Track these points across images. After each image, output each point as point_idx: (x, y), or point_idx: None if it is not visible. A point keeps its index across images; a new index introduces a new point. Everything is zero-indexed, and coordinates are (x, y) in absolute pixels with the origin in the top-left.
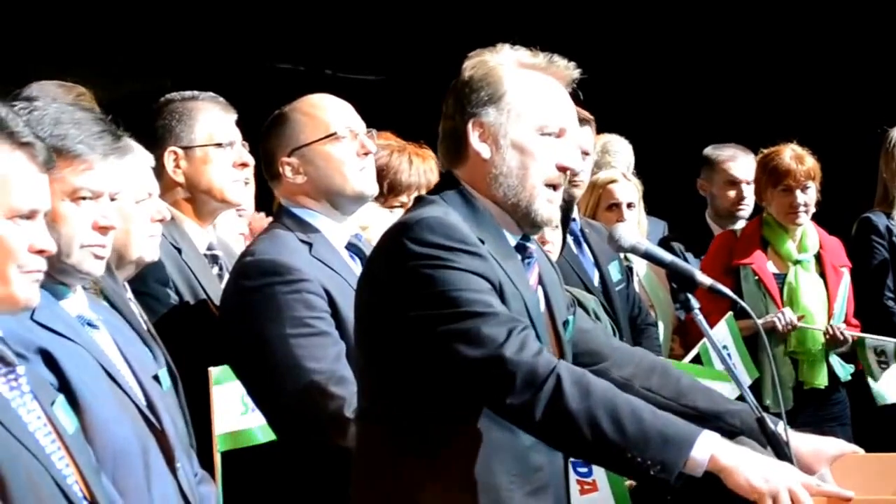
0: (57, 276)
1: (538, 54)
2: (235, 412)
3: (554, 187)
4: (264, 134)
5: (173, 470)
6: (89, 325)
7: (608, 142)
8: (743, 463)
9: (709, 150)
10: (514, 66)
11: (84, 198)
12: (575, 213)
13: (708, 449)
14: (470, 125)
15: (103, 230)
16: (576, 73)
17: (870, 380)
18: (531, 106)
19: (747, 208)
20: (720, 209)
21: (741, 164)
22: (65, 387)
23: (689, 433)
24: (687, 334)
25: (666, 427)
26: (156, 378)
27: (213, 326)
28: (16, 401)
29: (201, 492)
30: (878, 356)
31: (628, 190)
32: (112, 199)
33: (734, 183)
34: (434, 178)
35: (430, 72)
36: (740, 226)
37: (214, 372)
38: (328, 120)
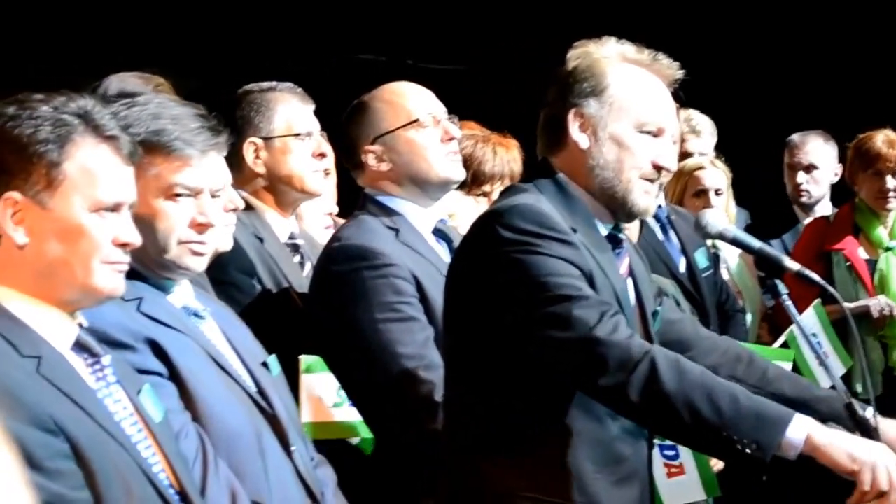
0: (159, 271)
1: (643, 50)
2: (328, 402)
3: (650, 181)
4: (345, 123)
5: (289, 453)
6: (195, 315)
7: (691, 116)
8: (837, 440)
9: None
10: (619, 60)
11: (180, 194)
12: (661, 200)
13: (803, 429)
14: (570, 115)
15: (201, 227)
16: (679, 72)
17: None
18: (633, 102)
19: (806, 195)
20: (789, 195)
21: (802, 149)
22: (174, 376)
23: (785, 413)
24: (775, 321)
25: (761, 408)
26: (264, 365)
27: (295, 315)
28: (102, 391)
29: (319, 475)
30: None
31: (716, 176)
32: (213, 196)
33: (792, 168)
34: (518, 167)
35: (512, 61)
36: (822, 213)
37: (304, 360)
38: (410, 107)
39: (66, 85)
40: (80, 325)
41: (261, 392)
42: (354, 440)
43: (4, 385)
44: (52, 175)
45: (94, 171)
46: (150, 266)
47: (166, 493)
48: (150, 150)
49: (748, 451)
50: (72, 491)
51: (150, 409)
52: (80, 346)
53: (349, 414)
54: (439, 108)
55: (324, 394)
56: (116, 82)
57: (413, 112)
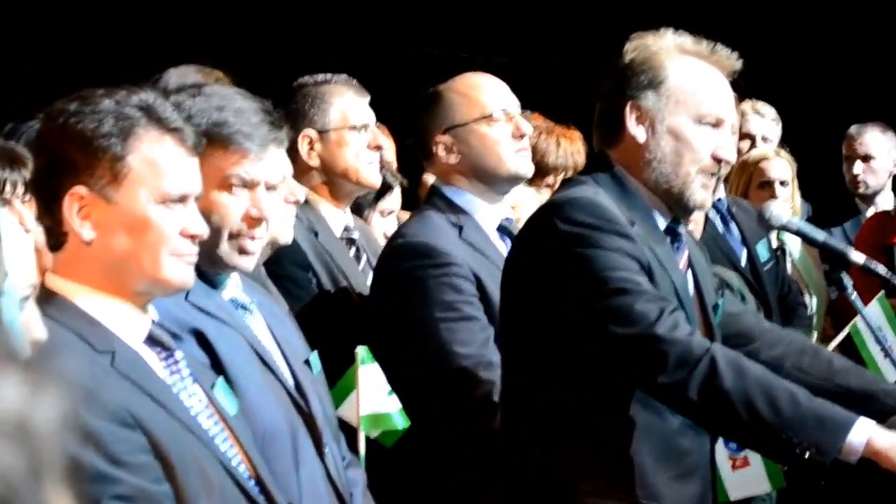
0: (209, 264)
1: (701, 42)
2: (381, 393)
3: (710, 174)
4: (418, 112)
5: (321, 454)
6: (242, 308)
7: (755, 102)
8: None
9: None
10: (677, 52)
11: (235, 186)
12: (721, 192)
13: (865, 433)
14: (627, 108)
15: (254, 221)
16: (738, 63)
17: None
18: (691, 94)
19: (863, 186)
20: (847, 186)
21: (859, 140)
22: (217, 368)
23: (847, 417)
24: (839, 314)
25: (823, 410)
26: (306, 362)
27: (350, 309)
28: (177, 385)
29: (349, 476)
30: None
31: (781, 167)
32: (269, 189)
33: (849, 159)
34: (581, 160)
35: (570, 54)
36: (883, 204)
37: (361, 352)
38: (484, 100)
39: (77, 84)
40: (153, 320)
41: (299, 389)
42: (374, 434)
43: (81, 382)
44: (116, 169)
45: (158, 164)
46: (200, 257)
47: (246, 484)
48: (210, 141)
49: (807, 454)
50: (153, 484)
51: (224, 402)
52: (152, 341)
53: (395, 403)
54: (513, 103)
55: (378, 383)
56: (176, 75)
57: (487, 106)
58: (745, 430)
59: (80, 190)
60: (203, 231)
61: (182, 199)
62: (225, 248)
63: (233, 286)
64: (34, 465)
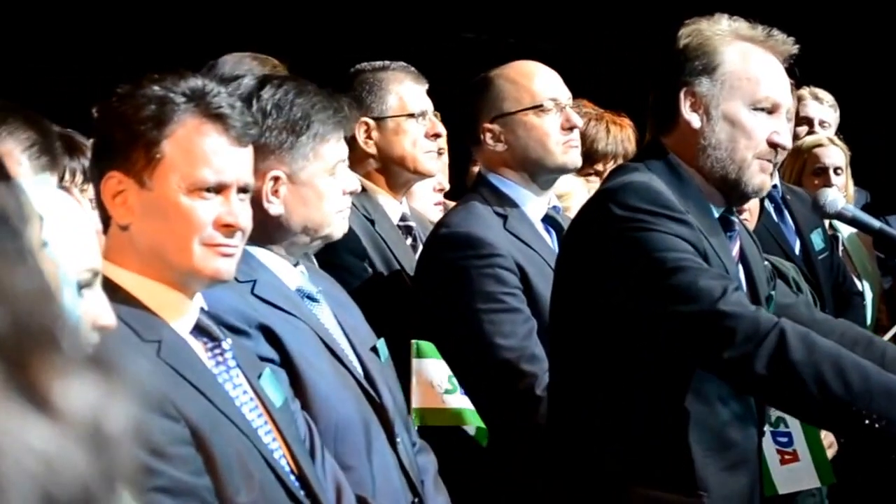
0: (295, 247)
1: (756, 26)
2: (440, 388)
3: (767, 160)
4: (467, 98)
5: (393, 444)
6: (309, 298)
7: (815, 90)
8: None
9: None
10: (731, 37)
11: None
12: (776, 180)
13: None
14: (682, 94)
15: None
16: (794, 48)
17: None
18: (746, 79)
19: None
20: None
21: None
22: (286, 363)
23: None
24: (893, 303)
25: (893, 384)
26: (373, 349)
27: (408, 298)
28: (222, 376)
29: (420, 462)
30: None
31: (835, 154)
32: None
33: None
34: (631, 147)
35: (620, 40)
36: None
37: (417, 344)
38: (535, 90)
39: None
40: (201, 309)
41: (368, 378)
42: (470, 430)
43: (152, 387)
44: (151, 153)
45: (194, 151)
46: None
47: (287, 478)
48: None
49: (877, 426)
50: (193, 477)
51: (270, 393)
52: (200, 330)
53: (461, 401)
54: (564, 93)
55: (435, 379)
56: (231, 62)
57: (537, 96)
58: (812, 404)
59: (117, 174)
60: (239, 222)
61: (219, 189)
62: (329, 222)
63: (299, 275)
64: (109, 471)
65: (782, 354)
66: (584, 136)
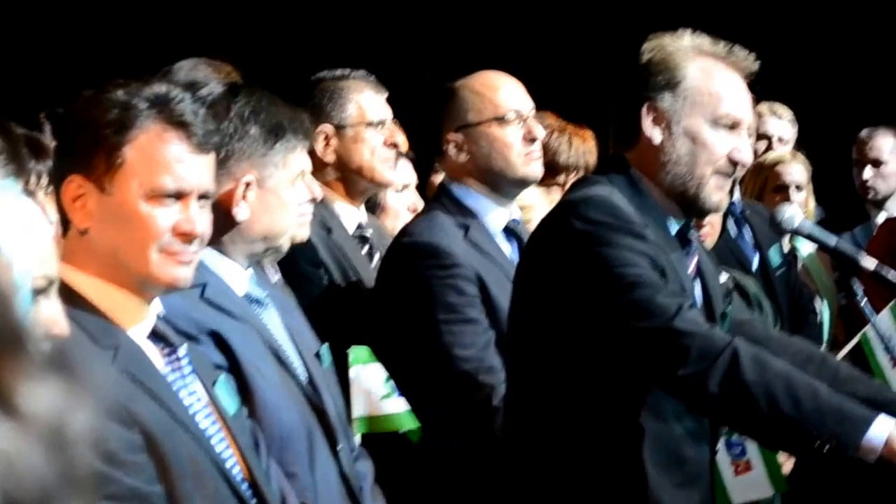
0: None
1: (719, 43)
2: (377, 395)
3: (725, 176)
4: (432, 107)
5: (335, 451)
6: (257, 303)
7: (772, 103)
8: None
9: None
10: (694, 53)
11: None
12: (736, 195)
13: (885, 431)
14: (644, 109)
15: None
16: (755, 64)
17: None
18: (707, 95)
19: (872, 192)
20: (857, 191)
21: (869, 144)
22: (234, 369)
23: (867, 413)
24: (849, 320)
25: (843, 405)
26: (317, 355)
27: (363, 307)
28: (177, 382)
29: (358, 469)
30: None
31: (797, 171)
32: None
33: (859, 164)
34: (593, 160)
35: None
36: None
37: (353, 352)
38: (498, 101)
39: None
40: (158, 315)
41: (312, 385)
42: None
43: (111, 395)
44: (112, 158)
45: (155, 158)
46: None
47: (239, 487)
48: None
49: (826, 448)
50: (146, 485)
51: (224, 401)
52: (156, 336)
53: (398, 405)
54: (527, 105)
55: (373, 386)
56: (187, 68)
57: (500, 107)
58: (764, 424)
59: (78, 178)
60: (197, 229)
61: (179, 196)
62: (287, 234)
63: (247, 280)
64: (68, 474)
65: (734, 374)
66: (546, 147)
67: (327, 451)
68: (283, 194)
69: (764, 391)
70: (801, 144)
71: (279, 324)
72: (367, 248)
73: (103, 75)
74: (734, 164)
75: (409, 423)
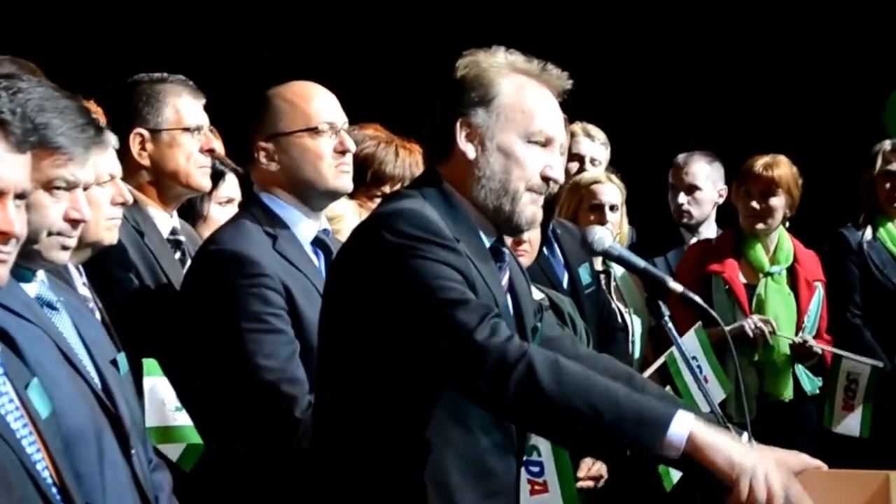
0: (20, 259)
1: (532, 60)
2: (170, 406)
3: (537, 193)
4: (241, 115)
5: (128, 457)
6: (49, 306)
7: (585, 124)
8: (719, 443)
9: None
10: (508, 70)
11: (59, 188)
12: None
13: (685, 427)
14: (458, 124)
15: (74, 223)
16: (568, 83)
17: (828, 401)
18: (521, 112)
19: (687, 216)
20: (672, 216)
21: (685, 170)
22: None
23: (666, 412)
24: (659, 341)
25: (641, 407)
26: (114, 363)
27: (173, 312)
28: None
29: (155, 479)
30: (850, 384)
31: (612, 192)
32: (85, 189)
33: (674, 188)
34: (419, 172)
35: (416, 66)
36: (707, 234)
37: (146, 363)
38: (311, 112)
39: None
40: None
41: (106, 390)
42: (174, 456)
43: None
44: None
45: None
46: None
47: (48, 491)
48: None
49: (628, 452)
50: None
51: (38, 403)
52: None
53: (187, 419)
54: (340, 117)
55: (166, 397)
56: None
57: (313, 118)
58: (566, 432)
59: None
60: (13, 228)
61: None
62: (44, 243)
63: (39, 284)
64: None
65: (531, 383)
66: (373, 157)
67: (119, 455)
68: (92, 193)
69: (562, 400)
70: (616, 166)
71: (72, 329)
72: (179, 253)
73: (103, 75)
74: (546, 181)
75: (194, 439)
